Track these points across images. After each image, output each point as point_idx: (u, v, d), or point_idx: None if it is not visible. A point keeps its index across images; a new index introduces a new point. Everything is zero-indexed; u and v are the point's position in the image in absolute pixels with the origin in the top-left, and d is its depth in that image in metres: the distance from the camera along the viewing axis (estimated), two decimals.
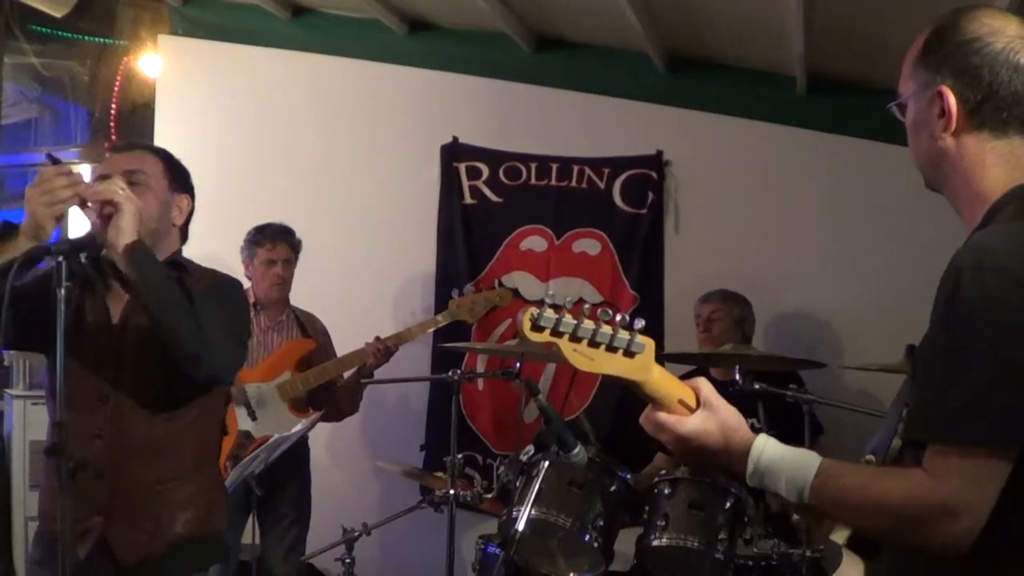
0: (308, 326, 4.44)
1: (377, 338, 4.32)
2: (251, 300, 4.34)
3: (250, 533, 4.13)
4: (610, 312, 1.46)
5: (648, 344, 1.48)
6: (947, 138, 1.56)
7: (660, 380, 1.53)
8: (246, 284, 4.40)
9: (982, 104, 1.54)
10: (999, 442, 1.37)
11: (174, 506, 2.61)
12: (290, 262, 4.38)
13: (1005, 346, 1.37)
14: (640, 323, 1.48)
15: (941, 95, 1.55)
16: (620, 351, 1.46)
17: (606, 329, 1.45)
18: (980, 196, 1.55)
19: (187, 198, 2.82)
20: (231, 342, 2.66)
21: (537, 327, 1.42)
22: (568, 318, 1.43)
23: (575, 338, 1.44)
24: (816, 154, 4.76)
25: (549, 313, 1.42)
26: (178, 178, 2.80)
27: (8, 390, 5.42)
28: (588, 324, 1.44)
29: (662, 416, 1.55)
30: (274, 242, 4.34)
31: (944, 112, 1.55)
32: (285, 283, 4.37)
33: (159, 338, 2.49)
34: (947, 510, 1.36)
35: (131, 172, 2.69)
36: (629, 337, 1.46)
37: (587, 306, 1.45)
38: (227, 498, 2.84)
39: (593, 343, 1.45)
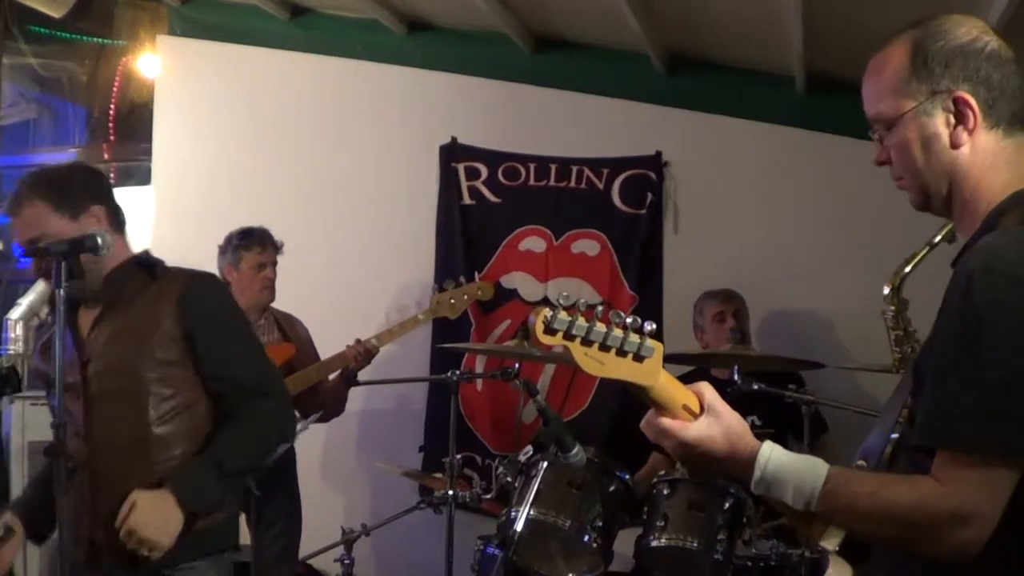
0: (288, 329, 4.40)
1: (358, 340, 4.28)
2: None
3: (248, 534, 4.13)
4: (621, 314, 1.45)
5: (657, 348, 1.47)
6: (967, 143, 1.55)
7: (666, 385, 1.51)
8: None
9: (996, 102, 1.54)
10: (1010, 449, 1.37)
11: None
12: (275, 264, 4.35)
13: (1016, 351, 1.36)
14: (650, 326, 1.46)
15: (959, 100, 1.54)
16: (630, 355, 1.45)
17: (617, 332, 1.44)
18: (983, 198, 1.55)
19: (94, 206, 2.68)
20: (272, 380, 2.73)
21: (550, 330, 1.41)
22: (581, 321, 1.42)
23: (587, 342, 1.43)
24: (815, 155, 4.75)
25: (562, 315, 1.41)
26: (71, 199, 2.65)
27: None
28: (600, 327, 1.43)
29: (666, 422, 1.53)
30: (263, 245, 4.30)
31: (963, 117, 1.54)
32: (274, 286, 4.34)
33: None
34: (958, 517, 1.37)
35: (33, 240, 2.62)
36: (639, 341, 1.45)
37: (600, 308, 1.44)
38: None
39: (604, 347, 1.44)
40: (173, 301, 2.66)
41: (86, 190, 2.69)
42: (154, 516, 2.47)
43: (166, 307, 2.65)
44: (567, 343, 1.42)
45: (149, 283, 2.69)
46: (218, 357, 2.66)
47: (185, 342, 2.64)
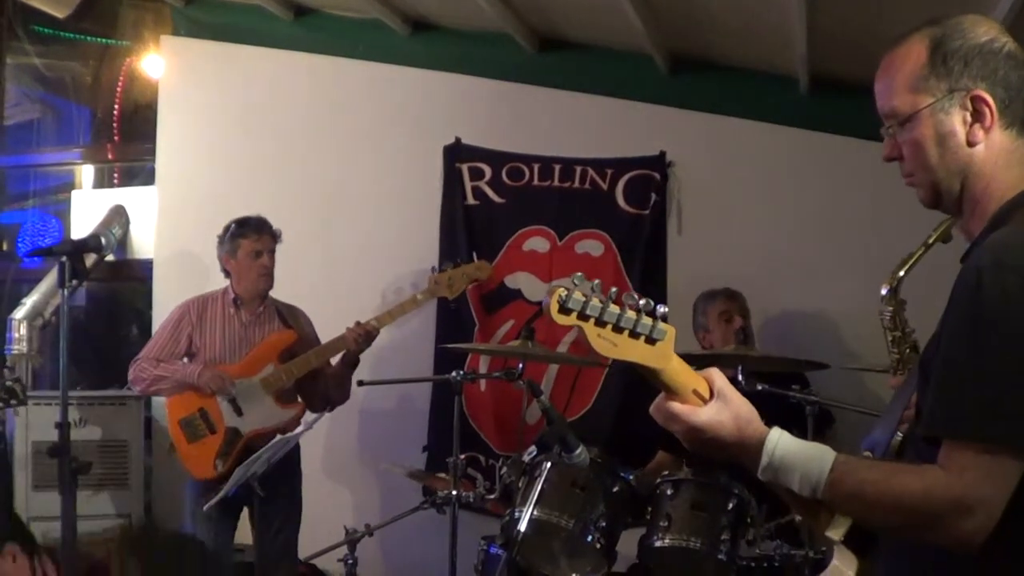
0: (289, 317, 4.42)
1: (357, 323, 4.29)
2: (231, 296, 4.34)
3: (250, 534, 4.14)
4: (635, 296, 1.45)
5: (669, 331, 1.48)
6: (982, 141, 1.56)
7: (677, 369, 1.52)
8: (224, 282, 4.39)
9: (1012, 102, 1.56)
10: (1017, 440, 1.38)
11: None
12: (273, 252, 4.36)
13: (1023, 345, 1.37)
14: (663, 309, 1.47)
15: (977, 99, 1.55)
16: (643, 337, 1.46)
17: (630, 315, 1.44)
18: (994, 196, 1.56)
19: None
20: None
21: (564, 309, 1.41)
22: (595, 302, 1.42)
23: (600, 322, 1.43)
24: (819, 155, 4.75)
25: (577, 295, 1.41)
26: None
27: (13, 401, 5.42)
28: (614, 309, 1.43)
29: (676, 406, 1.54)
30: (259, 233, 4.31)
31: (980, 115, 1.55)
32: (271, 274, 4.35)
33: None
34: (963, 506, 1.38)
35: None
36: (652, 323, 1.45)
37: (613, 290, 1.44)
38: None
39: (617, 328, 1.44)
40: None
41: None
42: None
43: None
44: (581, 323, 1.42)
45: None
46: None
47: None
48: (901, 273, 2.99)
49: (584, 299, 1.41)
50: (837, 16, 3.82)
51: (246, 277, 4.31)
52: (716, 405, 1.54)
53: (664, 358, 1.49)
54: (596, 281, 1.44)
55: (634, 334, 1.45)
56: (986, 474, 1.38)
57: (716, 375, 1.57)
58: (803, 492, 1.50)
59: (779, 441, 1.52)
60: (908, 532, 1.47)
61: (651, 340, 1.46)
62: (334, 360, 4.38)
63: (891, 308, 2.99)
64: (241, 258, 4.30)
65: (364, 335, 4.26)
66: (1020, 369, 1.37)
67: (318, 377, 4.35)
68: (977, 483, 1.38)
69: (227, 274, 4.36)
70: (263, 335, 4.34)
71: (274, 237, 4.36)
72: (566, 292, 1.41)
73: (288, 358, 4.30)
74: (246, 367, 4.25)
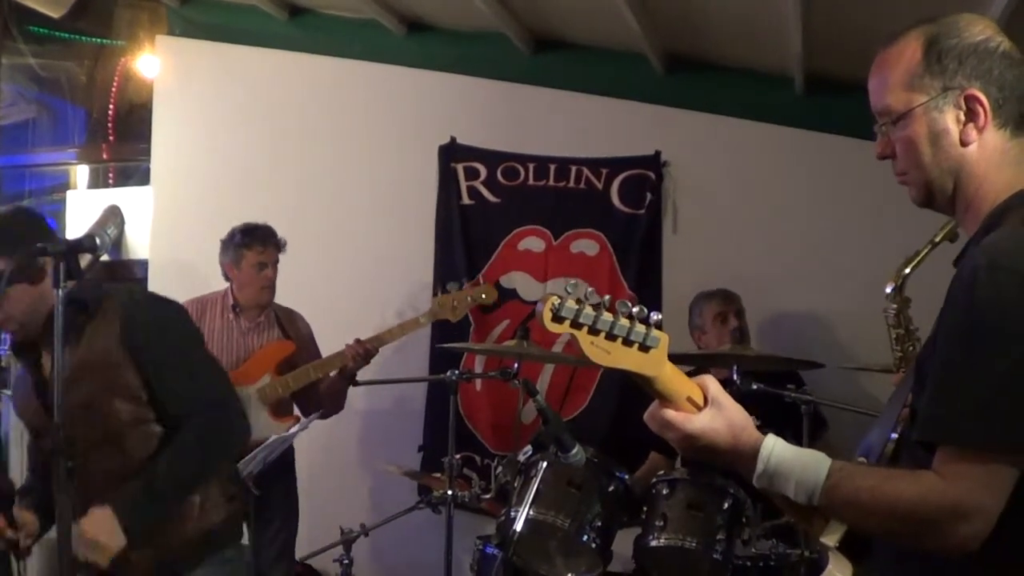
0: (288, 325, 4.40)
1: (357, 340, 4.27)
2: (230, 302, 4.32)
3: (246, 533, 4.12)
4: (628, 304, 1.45)
5: (663, 339, 1.47)
6: (976, 140, 1.56)
7: (671, 376, 1.51)
8: (222, 284, 4.38)
9: (1006, 102, 1.55)
10: (1011, 444, 1.38)
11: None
12: (277, 263, 4.34)
13: (1018, 348, 1.37)
14: (656, 316, 1.47)
15: (971, 98, 1.55)
16: (636, 345, 1.45)
17: (624, 322, 1.44)
18: (987, 197, 1.56)
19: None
20: (214, 389, 2.80)
21: (558, 317, 1.41)
22: (588, 310, 1.42)
23: (593, 331, 1.43)
24: (814, 155, 4.76)
25: (570, 304, 1.41)
26: None
27: (6, 390, 5.42)
28: (607, 317, 1.43)
29: (670, 414, 1.53)
30: (264, 244, 4.28)
31: (974, 115, 1.55)
32: (274, 286, 4.33)
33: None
34: (959, 512, 1.37)
35: None
36: (645, 331, 1.45)
37: (607, 298, 1.44)
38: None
39: (610, 336, 1.43)
40: (116, 331, 2.66)
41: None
42: (96, 528, 2.55)
43: (113, 339, 2.65)
44: (574, 331, 1.42)
45: (88, 318, 2.66)
46: (156, 378, 2.70)
47: (136, 368, 2.68)
48: (907, 271, 2.99)
49: (577, 307, 1.41)
50: (832, 15, 3.82)
51: (248, 288, 4.29)
52: (710, 412, 1.54)
53: (657, 366, 1.48)
54: (590, 288, 1.44)
55: (627, 342, 1.45)
56: (982, 480, 1.37)
57: (710, 382, 1.57)
58: (799, 499, 1.49)
59: (774, 448, 1.52)
60: (904, 538, 1.47)
61: (644, 348, 1.46)
62: (331, 373, 4.36)
63: (895, 305, 3.00)
64: (245, 268, 4.27)
65: (364, 354, 4.25)
66: (1015, 372, 1.37)
67: (314, 388, 4.33)
68: (974, 489, 1.37)
69: (227, 278, 4.35)
70: (260, 343, 4.32)
71: (279, 248, 4.33)
72: (559, 300, 1.40)
73: (286, 369, 4.28)
74: (243, 376, 4.23)
